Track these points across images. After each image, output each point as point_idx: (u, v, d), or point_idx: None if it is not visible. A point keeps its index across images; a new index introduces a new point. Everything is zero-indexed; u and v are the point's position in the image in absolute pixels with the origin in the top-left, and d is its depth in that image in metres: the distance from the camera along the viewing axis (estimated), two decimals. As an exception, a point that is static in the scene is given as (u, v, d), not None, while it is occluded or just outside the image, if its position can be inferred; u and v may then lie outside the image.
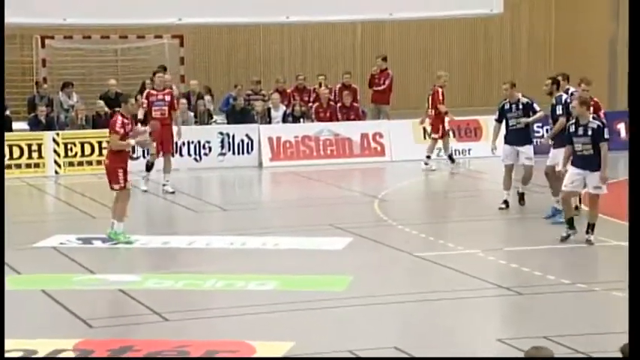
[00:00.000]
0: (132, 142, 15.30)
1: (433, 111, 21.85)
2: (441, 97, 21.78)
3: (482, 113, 23.82)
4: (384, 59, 24.81)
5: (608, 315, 11.97)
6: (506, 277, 13.57)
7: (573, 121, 15.17)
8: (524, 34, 29.82)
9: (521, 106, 17.63)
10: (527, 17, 29.75)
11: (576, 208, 16.10)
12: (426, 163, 21.83)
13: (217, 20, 23.56)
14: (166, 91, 19.88)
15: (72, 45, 25.62)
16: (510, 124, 17.71)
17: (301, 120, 23.69)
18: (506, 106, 17.75)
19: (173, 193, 19.15)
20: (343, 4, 23.63)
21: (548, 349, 7.20)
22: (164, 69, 22.86)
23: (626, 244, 14.59)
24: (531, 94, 18.20)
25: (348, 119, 23.78)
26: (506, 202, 17.59)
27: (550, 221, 16.34)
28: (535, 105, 17.80)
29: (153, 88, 20.36)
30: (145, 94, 19.95)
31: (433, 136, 22.20)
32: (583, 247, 14.89)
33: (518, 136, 17.66)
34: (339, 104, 24.08)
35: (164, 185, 19.38)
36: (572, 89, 17.08)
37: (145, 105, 19.54)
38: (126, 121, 15.18)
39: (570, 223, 15.09)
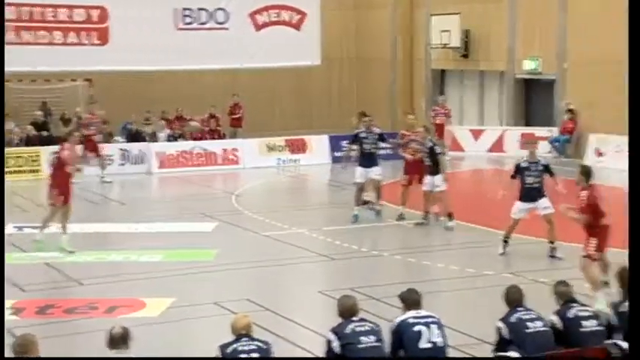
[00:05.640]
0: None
1: None
2: None
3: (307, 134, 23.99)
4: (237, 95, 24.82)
5: (391, 272, 12.20)
6: (324, 247, 13.59)
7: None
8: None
9: (376, 136, 15.32)
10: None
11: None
12: None
13: (117, 68, 22.94)
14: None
15: (8, 86, 24.44)
16: (365, 149, 15.17)
17: (179, 140, 23.35)
18: (363, 134, 15.24)
19: None
20: (206, 56, 23.40)
21: (352, 296, 7.30)
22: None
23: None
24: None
25: (213, 138, 23.58)
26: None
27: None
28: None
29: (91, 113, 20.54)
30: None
31: None
32: (371, 227, 15.04)
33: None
34: (207, 128, 23.84)
35: None
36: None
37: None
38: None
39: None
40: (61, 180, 13.26)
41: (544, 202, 12.21)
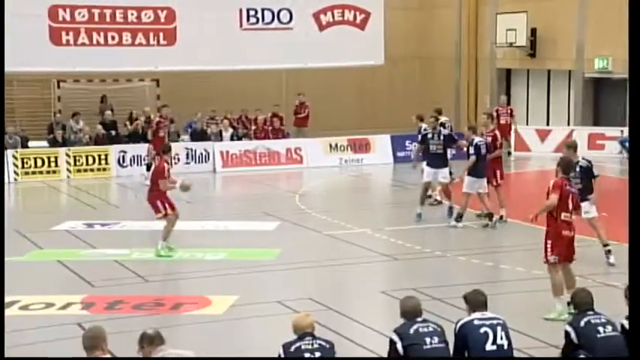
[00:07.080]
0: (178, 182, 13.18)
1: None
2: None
3: (371, 134, 23.92)
4: (303, 95, 24.88)
5: (455, 272, 12.09)
6: (387, 247, 13.54)
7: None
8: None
9: (442, 137, 15.19)
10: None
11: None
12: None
13: (183, 68, 23.30)
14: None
15: (79, 86, 25.21)
16: (431, 149, 15.15)
17: (243, 139, 23.57)
18: (429, 135, 15.26)
19: None
20: (270, 56, 23.57)
21: (415, 297, 7.25)
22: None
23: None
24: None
25: (276, 138, 23.72)
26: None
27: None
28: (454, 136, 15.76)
29: (160, 116, 20.33)
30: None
31: None
32: (439, 227, 14.91)
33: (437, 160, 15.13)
34: (270, 127, 24.00)
35: None
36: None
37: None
38: (168, 166, 13.26)
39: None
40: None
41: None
